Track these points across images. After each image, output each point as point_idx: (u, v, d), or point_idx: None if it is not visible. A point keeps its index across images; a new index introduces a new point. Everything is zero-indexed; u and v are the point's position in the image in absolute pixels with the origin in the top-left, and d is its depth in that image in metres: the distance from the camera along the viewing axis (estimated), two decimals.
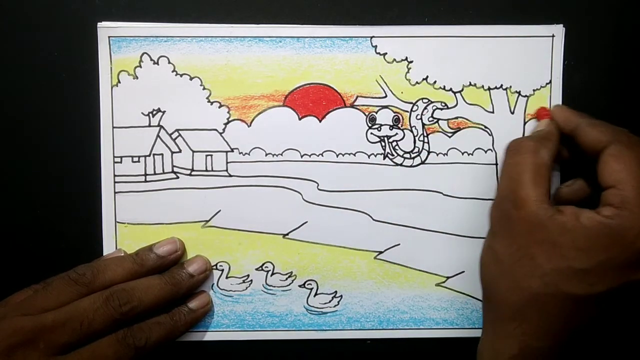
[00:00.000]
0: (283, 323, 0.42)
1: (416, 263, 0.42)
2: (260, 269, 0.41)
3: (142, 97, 0.40)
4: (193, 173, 0.41)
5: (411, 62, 0.41)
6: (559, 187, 0.39)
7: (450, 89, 0.41)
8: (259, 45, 0.40)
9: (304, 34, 0.40)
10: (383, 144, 0.41)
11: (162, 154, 0.41)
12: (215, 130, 0.41)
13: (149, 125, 0.41)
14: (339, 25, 0.40)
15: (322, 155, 0.41)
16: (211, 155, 0.41)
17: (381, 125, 0.41)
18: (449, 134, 0.41)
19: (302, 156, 0.41)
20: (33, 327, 0.34)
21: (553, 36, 0.41)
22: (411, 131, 0.41)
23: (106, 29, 0.40)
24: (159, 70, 0.40)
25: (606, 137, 0.35)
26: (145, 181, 0.41)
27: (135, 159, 0.41)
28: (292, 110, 0.41)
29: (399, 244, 0.42)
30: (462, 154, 0.41)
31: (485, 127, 0.41)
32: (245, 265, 0.41)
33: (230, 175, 0.41)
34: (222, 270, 0.41)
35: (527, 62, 0.41)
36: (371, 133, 0.41)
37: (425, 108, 0.41)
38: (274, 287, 0.42)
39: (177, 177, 0.41)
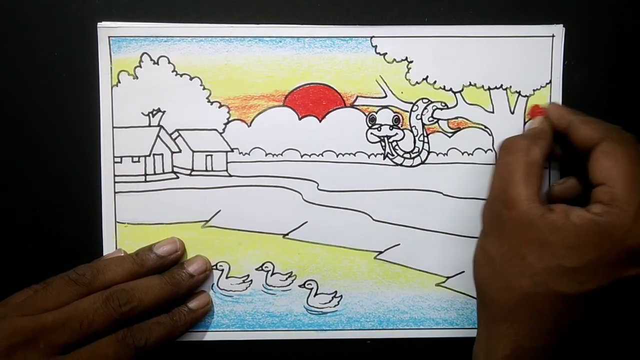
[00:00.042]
0: (283, 323, 0.42)
1: (416, 263, 0.42)
2: (260, 269, 0.41)
3: (142, 97, 0.40)
4: (193, 173, 0.41)
5: (411, 62, 0.41)
6: (551, 185, 0.40)
7: (450, 89, 0.41)
8: (259, 45, 0.40)
9: (304, 34, 0.40)
10: (383, 144, 0.41)
11: (162, 154, 0.41)
12: (215, 130, 0.41)
13: (149, 125, 0.41)
14: (339, 25, 0.40)
15: (322, 155, 0.41)
16: (211, 155, 0.41)
17: (381, 125, 0.41)
18: (449, 134, 0.41)
19: (302, 156, 0.41)
20: (33, 327, 0.34)
21: (553, 36, 0.41)
22: (411, 131, 0.41)
23: (106, 29, 0.40)
24: (159, 70, 0.40)
25: (598, 134, 0.35)
26: (145, 181, 0.41)
27: (135, 159, 0.41)
28: (292, 110, 0.41)
29: (399, 244, 0.42)
30: (462, 154, 0.41)
31: (485, 127, 0.41)
32: (245, 265, 0.41)
33: (230, 175, 0.41)
34: (222, 270, 0.41)
35: (527, 62, 0.41)
36: (371, 133, 0.41)
37: (425, 108, 0.41)
38: (274, 287, 0.42)
39: (177, 177, 0.41)
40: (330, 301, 0.42)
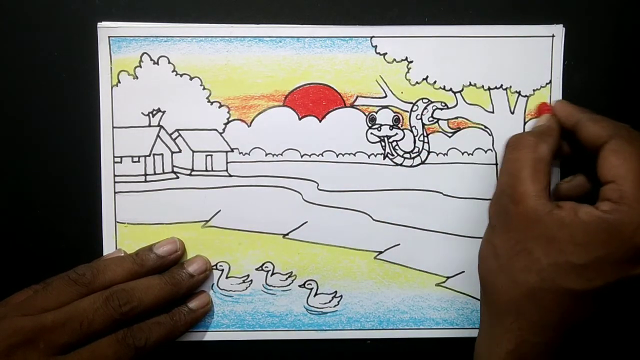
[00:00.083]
0: (283, 323, 0.42)
1: (416, 263, 0.42)
2: (260, 269, 0.41)
3: (142, 97, 0.40)
4: (193, 173, 0.41)
5: (411, 62, 0.41)
6: (558, 183, 0.40)
7: (450, 89, 0.41)
8: (259, 45, 0.40)
9: (304, 34, 0.40)
10: (383, 144, 0.41)
11: (162, 154, 0.41)
12: (215, 130, 0.41)
13: (149, 125, 0.41)
14: (339, 25, 0.40)
15: (322, 155, 0.41)
16: (211, 155, 0.41)
17: (381, 125, 0.41)
18: (449, 134, 0.41)
19: (302, 156, 0.41)
20: (33, 327, 0.34)
21: (553, 36, 0.41)
22: (411, 131, 0.41)
23: (106, 29, 0.40)
24: (159, 70, 0.40)
25: (607, 132, 0.35)
26: (145, 181, 0.41)
27: (135, 159, 0.41)
28: (292, 110, 0.41)
29: (399, 244, 0.42)
30: (462, 154, 0.41)
31: (485, 127, 0.41)
32: (245, 265, 0.41)
33: (230, 175, 0.41)
34: (222, 270, 0.41)
35: (527, 62, 0.41)
36: (371, 133, 0.41)
37: (425, 108, 0.41)
38: (274, 287, 0.42)
39: (177, 177, 0.41)
40: (330, 301, 0.42)
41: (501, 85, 0.41)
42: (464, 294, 0.42)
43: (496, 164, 0.41)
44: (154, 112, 0.41)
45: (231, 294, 0.41)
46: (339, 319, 0.42)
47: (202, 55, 0.40)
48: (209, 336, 0.41)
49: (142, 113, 0.41)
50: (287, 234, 0.41)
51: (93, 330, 0.35)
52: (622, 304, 0.34)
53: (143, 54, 0.40)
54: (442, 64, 0.41)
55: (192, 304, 0.40)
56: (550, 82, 0.41)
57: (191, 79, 0.40)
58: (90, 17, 0.40)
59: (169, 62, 0.40)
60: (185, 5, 0.40)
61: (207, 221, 0.41)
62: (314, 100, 0.41)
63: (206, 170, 0.41)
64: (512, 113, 0.41)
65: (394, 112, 0.41)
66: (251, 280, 0.41)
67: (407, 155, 0.41)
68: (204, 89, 0.40)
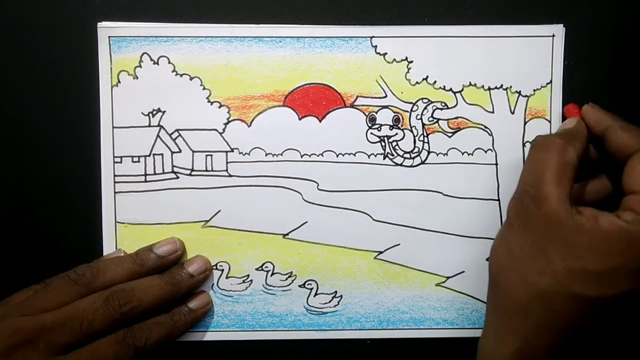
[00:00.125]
0: (283, 323, 0.42)
1: (416, 263, 0.42)
2: (260, 269, 0.41)
3: (142, 97, 0.40)
4: (193, 173, 0.41)
5: (411, 62, 0.41)
6: (578, 185, 0.39)
7: (450, 89, 0.41)
8: (259, 45, 0.40)
9: (304, 34, 0.40)
10: (383, 144, 0.41)
11: (162, 154, 0.41)
12: (215, 130, 0.41)
13: (149, 125, 0.41)
14: (339, 25, 0.40)
15: (322, 155, 0.41)
16: (211, 155, 0.41)
17: (381, 125, 0.41)
18: (449, 134, 0.41)
19: (302, 156, 0.41)
20: (33, 327, 0.34)
21: (553, 36, 0.41)
22: (411, 131, 0.41)
23: (106, 29, 0.40)
24: (159, 70, 0.40)
25: (638, 142, 0.34)
26: (145, 181, 0.41)
27: (135, 159, 0.41)
28: (292, 110, 0.41)
29: (399, 244, 0.42)
30: (462, 154, 0.41)
31: (485, 127, 0.41)
32: (245, 265, 0.41)
33: (230, 175, 0.41)
34: (222, 270, 0.41)
35: (527, 62, 0.41)
36: (371, 133, 0.41)
37: (425, 108, 0.41)
38: (274, 287, 0.42)
39: (177, 177, 0.41)
40: (330, 301, 0.42)
41: (501, 85, 0.41)
42: (464, 294, 0.42)
43: (496, 164, 0.41)
44: (154, 112, 0.41)
45: (231, 294, 0.41)
46: (339, 319, 0.42)
47: (202, 55, 0.40)
48: (209, 336, 0.41)
49: (142, 113, 0.41)
50: (287, 234, 0.41)
51: (93, 330, 0.35)
52: (630, 314, 0.34)
53: (143, 54, 0.40)
54: (442, 64, 0.41)
55: (192, 304, 0.40)
56: (551, 82, 0.41)
57: (191, 79, 0.40)
58: (90, 17, 0.40)
59: (169, 62, 0.40)
60: (185, 5, 0.40)
61: (207, 221, 0.41)
62: (314, 100, 0.41)
63: (206, 170, 0.41)
64: (512, 113, 0.41)
65: (394, 112, 0.41)
66: (251, 280, 0.41)
67: (407, 155, 0.41)
68: (204, 89, 0.40)
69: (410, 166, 0.41)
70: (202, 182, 0.41)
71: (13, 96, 0.40)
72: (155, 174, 0.41)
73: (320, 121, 0.41)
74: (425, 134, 0.41)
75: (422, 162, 0.41)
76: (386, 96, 0.41)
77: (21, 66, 0.40)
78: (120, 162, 0.41)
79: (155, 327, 0.37)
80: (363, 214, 0.41)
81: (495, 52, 0.41)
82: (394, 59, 0.41)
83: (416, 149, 0.41)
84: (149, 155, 0.41)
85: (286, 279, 0.41)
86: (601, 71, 0.41)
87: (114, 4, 0.40)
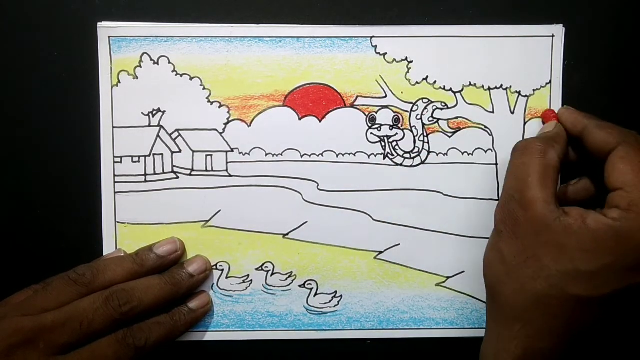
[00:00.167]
0: (283, 323, 0.42)
1: (416, 263, 0.42)
2: (260, 269, 0.41)
3: (142, 97, 0.40)
4: (193, 173, 0.41)
5: (411, 62, 0.41)
6: (563, 186, 0.39)
7: (450, 89, 0.41)
8: (259, 45, 0.40)
9: (304, 34, 0.40)
10: (383, 144, 0.41)
11: (162, 154, 0.41)
12: (215, 130, 0.41)
13: (149, 125, 0.41)
14: (339, 25, 0.40)
15: (322, 155, 0.41)
16: (211, 155, 0.41)
17: (381, 125, 0.41)
18: (449, 134, 0.41)
19: (302, 156, 0.41)
20: (33, 327, 0.34)
21: (553, 36, 0.41)
22: (411, 131, 0.41)
23: (106, 29, 0.40)
24: (159, 70, 0.40)
25: (614, 139, 0.35)
26: (145, 181, 0.41)
27: (135, 159, 0.41)
28: (292, 110, 0.41)
29: (399, 244, 0.42)
30: (462, 154, 0.41)
31: (485, 127, 0.41)
32: (245, 265, 0.41)
33: (230, 175, 0.41)
34: (222, 270, 0.41)
35: (527, 62, 0.41)
36: (371, 133, 0.41)
37: (425, 108, 0.41)
38: (274, 287, 0.42)
39: (177, 177, 0.41)
40: (330, 301, 0.42)
41: (501, 85, 0.41)
42: (464, 294, 0.42)
43: (496, 164, 0.41)
44: (154, 112, 0.41)
45: (231, 294, 0.41)
46: (339, 319, 0.42)
47: (202, 55, 0.40)
48: (209, 336, 0.41)
49: (142, 113, 0.41)
50: (287, 234, 0.41)
51: (93, 330, 0.35)
52: (629, 311, 0.34)
53: (143, 54, 0.40)
54: (442, 64, 0.41)
55: (192, 304, 0.40)
56: (550, 82, 0.41)
57: (191, 79, 0.40)
58: (90, 17, 0.40)
59: (169, 62, 0.40)
60: (185, 5, 0.40)
61: (207, 221, 0.41)
62: (314, 100, 0.41)
63: (206, 170, 0.41)
64: (512, 113, 0.41)
65: (394, 112, 0.41)
66: (251, 280, 0.41)
67: (407, 155, 0.41)
68: (204, 89, 0.40)
69: (410, 166, 0.41)
70: (202, 182, 0.41)
71: (13, 96, 0.40)
72: (155, 174, 0.41)
73: (320, 121, 0.41)
74: (425, 134, 0.41)
75: (422, 162, 0.41)
76: (386, 96, 0.41)
77: (21, 66, 0.40)
78: (120, 162, 0.41)
79: (155, 327, 0.37)
80: (363, 214, 0.41)
81: (495, 52, 0.41)
82: (394, 59, 0.41)
83: (416, 149, 0.41)
84: (149, 155, 0.41)
85: (286, 279, 0.41)
86: (601, 71, 0.41)
87: (114, 4, 0.40)
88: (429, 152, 0.41)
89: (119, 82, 0.40)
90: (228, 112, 0.41)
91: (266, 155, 0.41)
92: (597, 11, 0.41)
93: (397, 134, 0.41)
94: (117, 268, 0.38)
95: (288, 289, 0.42)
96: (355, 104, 0.41)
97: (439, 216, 0.41)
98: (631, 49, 0.41)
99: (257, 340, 0.41)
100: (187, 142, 0.41)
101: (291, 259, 0.41)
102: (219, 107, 0.41)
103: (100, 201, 0.41)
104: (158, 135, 0.41)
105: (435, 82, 0.41)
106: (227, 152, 0.41)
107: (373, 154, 0.41)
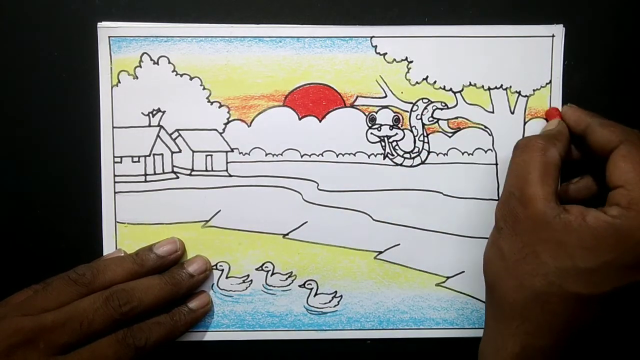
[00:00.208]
0: (283, 323, 0.42)
1: (416, 263, 0.42)
2: (260, 269, 0.41)
3: (142, 97, 0.40)
4: (193, 173, 0.41)
5: (411, 62, 0.41)
6: (565, 184, 0.39)
7: (450, 89, 0.41)
8: (259, 45, 0.40)
9: (304, 34, 0.40)
10: (383, 144, 0.41)
11: (162, 154, 0.41)
12: (215, 130, 0.41)
13: (149, 125, 0.41)
14: (339, 25, 0.40)
15: (322, 155, 0.41)
16: (211, 155, 0.41)
17: (381, 125, 0.41)
18: (449, 134, 0.41)
19: (302, 156, 0.41)
20: (33, 327, 0.34)
21: (553, 36, 0.41)
22: (411, 131, 0.41)
23: (106, 29, 0.40)
24: (159, 70, 0.40)
25: (617, 137, 0.35)
26: (145, 181, 0.41)
27: (135, 159, 0.41)
28: (292, 110, 0.41)
29: (399, 244, 0.42)
30: (462, 154, 0.41)
31: (485, 127, 0.41)
32: (245, 265, 0.41)
33: (230, 175, 0.41)
34: (222, 270, 0.41)
35: (527, 62, 0.41)
36: (371, 133, 0.41)
37: (425, 108, 0.41)
38: (274, 287, 0.42)
39: (177, 177, 0.41)
40: (330, 301, 0.42)
41: (501, 85, 0.41)
42: (464, 294, 0.42)
43: (496, 164, 0.41)
44: (154, 112, 0.41)
45: (231, 294, 0.41)
46: (339, 319, 0.42)
47: (202, 55, 0.40)
48: (209, 336, 0.41)
49: (142, 113, 0.41)
50: (287, 234, 0.41)
51: (93, 330, 0.35)
52: (628, 309, 0.34)
53: (143, 54, 0.40)
54: (442, 64, 0.41)
55: (192, 304, 0.40)
56: (550, 82, 0.41)
57: (191, 79, 0.40)
58: (90, 17, 0.40)
59: (169, 62, 0.40)
60: (185, 5, 0.40)
61: (207, 221, 0.41)
62: (314, 100, 0.41)
63: (206, 170, 0.41)
64: (512, 113, 0.41)
65: (394, 112, 0.41)
66: (251, 280, 0.41)
67: (407, 155, 0.41)
68: (204, 89, 0.40)
69: (410, 166, 0.41)
70: (202, 182, 0.41)
71: (13, 96, 0.40)
72: (155, 174, 0.41)
73: (320, 121, 0.41)
74: (425, 134, 0.41)
75: (422, 162, 0.41)
76: (386, 96, 0.41)
77: (21, 66, 0.40)
78: (120, 162, 0.41)
79: (155, 327, 0.37)
80: (363, 214, 0.41)
81: (495, 52, 0.41)
82: (394, 59, 0.41)
83: (416, 149, 0.41)
84: (149, 155, 0.41)
85: (286, 279, 0.41)
86: (601, 71, 0.41)
87: (114, 4, 0.40)
88: (429, 152, 0.41)
89: (119, 82, 0.40)
90: (228, 112, 0.41)
91: (266, 155, 0.41)
92: (597, 11, 0.41)
93: (397, 134, 0.41)
94: (117, 268, 0.38)
95: (288, 289, 0.42)
96: (355, 104, 0.41)
97: (439, 216, 0.41)
98: (631, 49, 0.41)
99: (257, 340, 0.41)
100: (187, 142, 0.41)
101: (291, 259, 0.41)
102: (219, 107, 0.41)
103: (100, 201, 0.41)
104: (158, 135, 0.41)
105: (435, 82, 0.41)
106: (227, 152, 0.41)
107: (373, 154, 0.41)
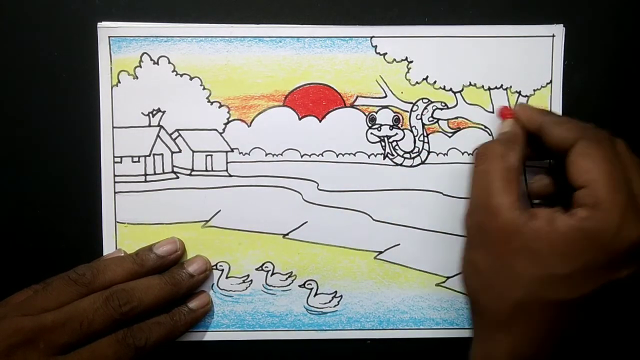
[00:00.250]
0: (283, 323, 0.42)
1: (416, 263, 0.42)
2: (260, 269, 0.41)
3: (142, 97, 0.40)
4: (193, 173, 0.41)
5: (411, 62, 0.41)
6: (529, 182, 0.39)
7: (450, 89, 0.41)
8: (259, 45, 0.40)
9: (304, 34, 0.40)
10: (383, 144, 0.41)
11: (162, 154, 0.41)
12: (215, 130, 0.41)
13: (149, 125, 0.41)
14: (339, 25, 0.40)
15: (322, 155, 0.41)
16: (211, 155, 0.41)
17: (381, 125, 0.41)
18: (449, 134, 0.41)
19: (302, 156, 0.41)
20: (33, 327, 0.34)
21: (553, 36, 0.41)
22: (411, 131, 0.41)
23: (106, 29, 0.40)
24: (159, 70, 0.40)
25: (572, 135, 0.34)
26: (145, 181, 0.41)
27: (135, 159, 0.41)
28: (292, 110, 0.41)
29: (399, 244, 0.42)
30: (462, 154, 0.41)
31: (486, 127, 0.41)
32: (245, 265, 0.41)
33: (230, 175, 0.41)
34: (222, 270, 0.41)
35: (527, 62, 0.41)
36: (371, 133, 0.41)
37: (425, 108, 0.41)
38: (274, 287, 0.42)
39: (177, 177, 0.41)
40: (330, 301, 0.42)
41: (501, 85, 0.41)
42: (464, 294, 0.42)
43: None
44: (154, 112, 0.41)
45: (231, 294, 0.41)
46: (339, 319, 0.42)
47: (202, 55, 0.40)
48: (209, 336, 0.41)
49: (142, 113, 0.41)
50: (287, 234, 0.41)
51: (93, 330, 0.35)
52: (609, 310, 0.33)
53: (143, 54, 0.40)
54: (442, 64, 0.41)
55: (192, 304, 0.40)
56: (551, 82, 0.41)
57: (191, 79, 0.40)
58: (90, 17, 0.40)
59: (169, 62, 0.40)
60: (185, 5, 0.40)
61: (207, 221, 0.41)
62: (314, 100, 0.41)
63: (206, 170, 0.41)
64: None
65: (394, 112, 0.41)
66: (251, 280, 0.41)
67: (407, 155, 0.41)
68: (204, 89, 0.40)
69: (410, 166, 0.41)
70: (202, 182, 0.41)
71: (13, 96, 0.40)
72: (155, 174, 0.41)
73: (320, 121, 0.41)
74: (425, 134, 0.41)
75: (422, 162, 0.41)
76: (386, 96, 0.41)
77: (21, 66, 0.40)
78: (120, 162, 0.41)
79: (155, 327, 0.37)
80: (363, 214, 0.41)
81: (495, 52, 0.41)
82: (394, 59, 0.41)
83: (416, 149, 0.41)
84: (149, 155, 0.41)
85: (286, 279, 0.41)
86: (601, 71, 0.41)
87: (114, 4, 0.40)
88: (429, 152, 0.41)
89: (119, 82, 0.40)
90: (228, 112, 0.41)
91: (266, 155, 0.41)
92: (597, 11, 0.41)
93: (397, 134, 0.41)
94: (117, 268, 0.38)
95: (288, 289, 0.42)
96: (355, 104, 0.41)
97: (439, 216, 0.41)
98: (631, 49, 0.41)
99: (257, 340, 0.41)
100: (187, 142, 0.41)
101: (291, 259, 0.41)
102: (219, 107, 0.41)
103: (100, 201, 0.41)
104: (158, 135, 0.41)
105: (435, 82, 0.41)
106: (227, 152, 0.41)
107: (373, 154, 0.41)
